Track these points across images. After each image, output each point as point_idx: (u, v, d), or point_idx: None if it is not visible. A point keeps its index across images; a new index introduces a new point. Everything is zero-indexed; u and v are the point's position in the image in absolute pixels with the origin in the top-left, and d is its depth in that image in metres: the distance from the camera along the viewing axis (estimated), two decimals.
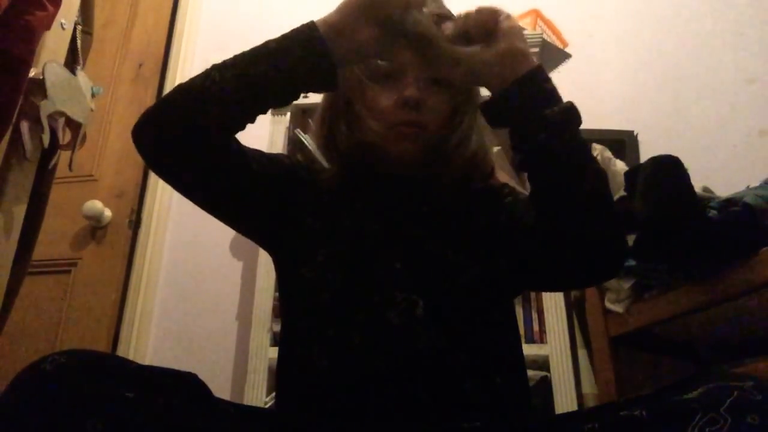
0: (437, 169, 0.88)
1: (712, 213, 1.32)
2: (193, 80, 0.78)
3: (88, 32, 1.42)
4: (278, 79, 0.76)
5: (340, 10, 0.77)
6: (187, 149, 0.78)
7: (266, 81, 0.76)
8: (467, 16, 0.78)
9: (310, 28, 0.76)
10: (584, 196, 0.75)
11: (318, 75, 0.76)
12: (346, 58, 0.78)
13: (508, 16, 0.77)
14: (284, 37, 0.77)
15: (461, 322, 0.77)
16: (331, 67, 0.76)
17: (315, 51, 0.75)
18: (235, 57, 0.78)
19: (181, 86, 0.78)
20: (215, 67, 0.78)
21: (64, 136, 1.30)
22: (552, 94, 0.76)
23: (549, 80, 0.77)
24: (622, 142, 2.08)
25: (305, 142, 1.84)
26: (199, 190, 0.84)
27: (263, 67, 0.76)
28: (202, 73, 0.78)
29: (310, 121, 1.80)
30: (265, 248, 0.98)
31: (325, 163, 0.93)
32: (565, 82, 2.12)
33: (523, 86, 0.75)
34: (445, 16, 0.85)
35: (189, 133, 0.77)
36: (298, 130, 1.87)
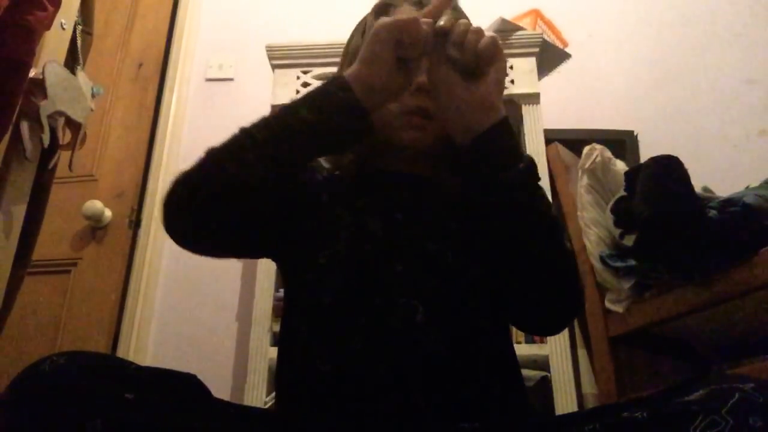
0: (442, 168, 0.88)
1: (712, 213, 1.32)
2: (225, 144, 0.76)
3: (88, 32, 1.42)
4: (317, 147, 0.77)
5: (365, 60, 0.75)
6: (225, 214, 0.75)
7: (305, 151, 0.76)
8: (470, 33, 0.75)
9: (345, 93, 0.74)
10: (537, 256, 0.75)
11: (359, 136, 0.77)
12: (379, 105, 0.78)
13: (503, 57, 0.77)
14: (317, 107, 0.75)
15: (461, 327, 0.77)
16: (370, 125, 0.76)
17: (354, 117, 0.74)
18: (266, 125, 0.75)
19: (213, 150, 0.76)
20: (246, 132, 0.75)
21: (64, 136, 1.30)
22: (512, 151, 0.76)
23: (512, 135, 0.77)
24: (622, 142, 2.08)
25: None
26: (228, 252, 0.84)
27: (301, 140, 0.75)
28: (232, 137, 0.76)
29: None
30: (268, 257, 0.98)
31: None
32: (565, 82, 2.17)
33: (484, 143, 0.75)
34: (459, 15, 0.86)
35: (227, 196, 0.74)
36: None
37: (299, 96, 0.79)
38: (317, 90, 0.77)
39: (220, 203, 0.73)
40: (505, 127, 0.76)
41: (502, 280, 0.78)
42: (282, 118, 0.76)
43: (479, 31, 0.75)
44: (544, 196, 0.78)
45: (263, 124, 0.75)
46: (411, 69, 0.78)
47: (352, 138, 0.77)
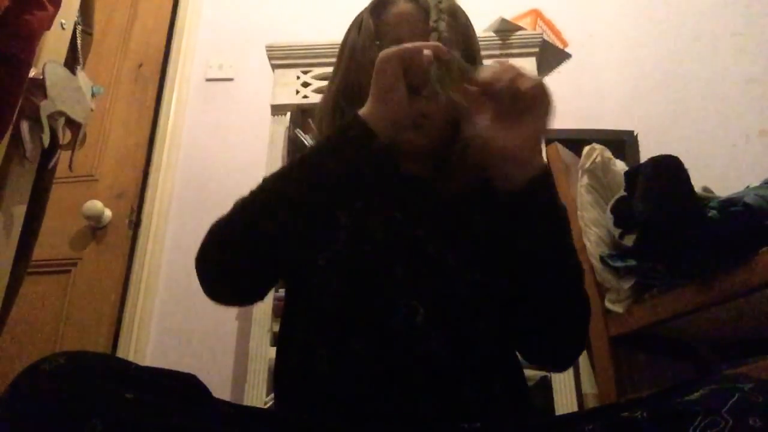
0: (442, 169, 0.88)
1: (712, 213, 1.32)
2: (255, 200, 0.76)
3: (88, 32, 1.42)
4: (349, 196, 0.77)
5: (378, 98, 0.74)
6: (262, 270, 0.77)
7: (338, 202, 0.77)
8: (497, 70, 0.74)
9: (370, 140, 0.74)
10: (557, 301, 0.76)
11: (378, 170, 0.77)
12: (402, 133, 0.78)
13: (548, 101, 0.76)
14: (345, 159, 0.74)
15: (461, 329, 0.77)
16: (390, 158, 0.77)
17: (382, 162, 0.75)
18: (296, 179, 0.76)
19: (244, 206, 0.76)
20: (275, 187, 0.76)
21: (64, 136, 1.30)
22: (555, 203, 0.76)
23: (553, 185, 0.77)
24: (622, 142, 2.08)
25: (305, 142, 1.84)
26: (260, 298, 0.84)
27: (333, 194, 0.75)
28: (261, 192, 0.76)
29: (310, 121, 1.80)
30: None
31: None
32: (565, 82, 2.17)
33: (532, 195, 0.74)
34: (456, 12, 0.86)
35: (265, 254, 0.75)
36: (298, 130, 1.87)
37: (321, 142, 0.78)
38: (340, 138, 0.76)
39: (258, 262, 0.76)
40: (549, 178, 0.75)
41: (514, 317, 0.79)
42: (310, 172, 0.75)
43: (520, 74, 0.74)
44: (570, 245, 0.78)
45: (293, 179, 0.75)
46: (422, 92, 0.79)
47: (380, 179, 0.77)
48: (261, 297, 0.83)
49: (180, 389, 0.63)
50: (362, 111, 0.75)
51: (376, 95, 0.75)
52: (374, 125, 0.74)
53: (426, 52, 0.72)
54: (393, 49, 0.74)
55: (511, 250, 0.76)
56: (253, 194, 0.77)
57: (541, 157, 0.77)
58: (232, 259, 0.76)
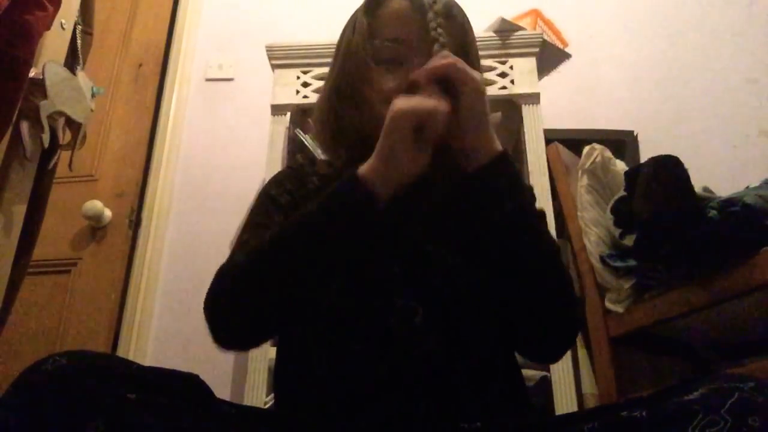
0: (439, 167, 0.87)
1: (712, 213, 1.32)
2: (261, 262, 0.75)
3: (88, 32, 1.42)
4: (353, 256, 0.75)
5: (385, 157, 0.72)
6: (273, 321, 0.77)
7: (343, 260, 0.75)
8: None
9: (370, 207, 0.72)
10: (535, 286, 0.76)
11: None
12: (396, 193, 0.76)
13: (457, 68, 0.73)
14: (345, 224, 0.72)
15: (460, 329, 0.77)
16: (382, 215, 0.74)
17: (377, 222, 0.73)
18: (302, 244, 0.73)
19: (252, 266, 0.76)
20: (280, 253, 0.75)
21: (64, 136, 1.30)
22: (513, 189, 0.76)
23: (509, 169, 0.76)
24: (622, 142, 2.08)
25: (305, 142, 1.84)
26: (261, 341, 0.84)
27: (338, 254, 0.74)
28: (263, 254, 0.75)
29: (310, 120, 1.80)
30: None
31: (321, 155, 0.92)
32: (565, 82, 2.17)
33: (483, 180, 0.74)
34: (451, 11, 0.86)
35: (274, 310, 0.75)
36: (299, 130, 1.87)
37: (325, 204, 0.74)
38: (340, 203, 0.73)
39: (270, 317, 0.76)
40: (492, 168, 0.75)
41: (500, 304, 0.78)
42: (313, 238, 0.73)
43: (439, 59, 0.74)
44: (539, 228, 0.78)
45: (297, 245, 0.73)
46: (404, 66, 0.79)
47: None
48: (265, 341, 0.83)
49: (182, 389, 0.63)
50: (365, 170, 0.72)
51: (383, 155, 0.72)
52: (377, 186, 0.72)
53: (441, 108, 0.71)
54: (407, 105, 0.71)
55: (482, 240, 0.76)
56: (260, 252, 0.76)
57: (492, 144, 0.75)
58: (247, 319, 0.76)
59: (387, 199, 0.72)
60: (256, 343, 0.82)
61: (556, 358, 0.87)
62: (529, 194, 0.81)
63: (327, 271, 0.74)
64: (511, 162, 0.77)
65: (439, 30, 0.80)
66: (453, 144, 0.75)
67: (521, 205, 0.76)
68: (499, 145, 0.76)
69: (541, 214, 0.83)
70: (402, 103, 0.72)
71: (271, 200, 0.87)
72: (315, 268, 0.73)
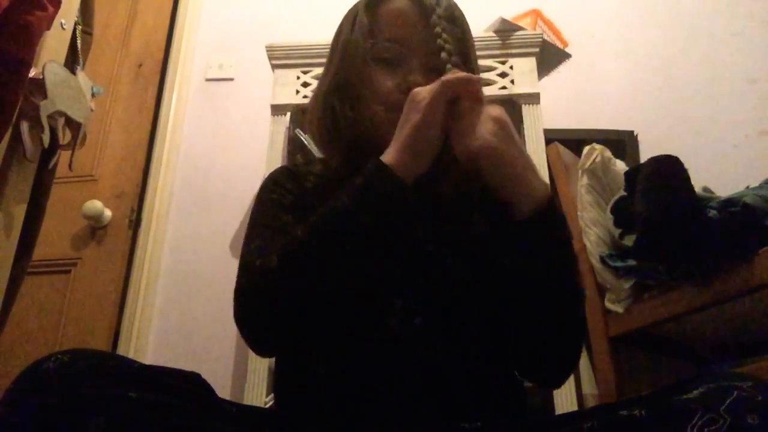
0: (438, 168, 0.87)
1: (712, 213, 1.32)
2: (295, 261, 0.72)
3: (88, 32, 1.42)
4: (386, 246, 0.73)
5: (405, 147, 0.72)
6: (307, 321, 0.73)
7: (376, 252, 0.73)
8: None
9: (398, 187, 0.71)
10: (552, 323, 0.75)
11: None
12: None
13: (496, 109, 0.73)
14: (382, 212, 0.71)
15: (460, 330, 0.77)
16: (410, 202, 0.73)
17: (401, 207, 0.72)
18: (334, 236, 0.71)
19: (284, 268, 0.72)
20: (314, 247, 0.72)
21: (64, 136, 1.30)
22: (561, 230, 0.75)
23: (557, 214, 0.75)
24: (622, 142, 2.09)
25: (305, 141, 1.84)
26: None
27: (370, 246, 0.72)
28: (298, 248, 0.72)
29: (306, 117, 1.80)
30: None
31: (318, 153, 0.91)
32: (565, 82, 2.17)
33: (539, 226, 0.73)
34: (453, 15, 0.85)
35: (310, 308, 0.72)
36: (298, 130, 1.88)
37: (355, 196, 0.72)
38: (374, 193, 0.71)
39: (305, 316, 0.72)
40: (547, 212, 0.73)
41: (508, 325, 0.78)
42: (346, 229, 0.71)
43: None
44: (572, 270, 0.76)
45: (330, 238, 0.71)
46: (403, 66, 0.79)
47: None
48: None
49: (184, 388, 0.63)
50: (390, 160, 0.71)
51: (406, 142, 0.72)
52: (405, 176, 0.71)
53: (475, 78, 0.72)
54: (441, 84, 0.72)
55: (511, 270, 0.74)
56: (293, 249, 0.72)
57: (533, 192, 0.72)
58: (284, 318, 0.72)
59: (411, 184, 0.72)
60: (295, 342, 0.78)
61: (558, 383, 0.83)
62: (568, 234, 0.78)
63: (365, 263, 0.72)
64: (555, 209, 0.74)
65: (444, 35, 0.79)
66: (492, 195, 0.74)
67: (561, 254, 0.75)
68: (541, 188, 0.73)
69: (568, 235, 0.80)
70: (425, 88, 0.73)
71: (275, 202, 0.86)
72: (358, 259, 0.71)
